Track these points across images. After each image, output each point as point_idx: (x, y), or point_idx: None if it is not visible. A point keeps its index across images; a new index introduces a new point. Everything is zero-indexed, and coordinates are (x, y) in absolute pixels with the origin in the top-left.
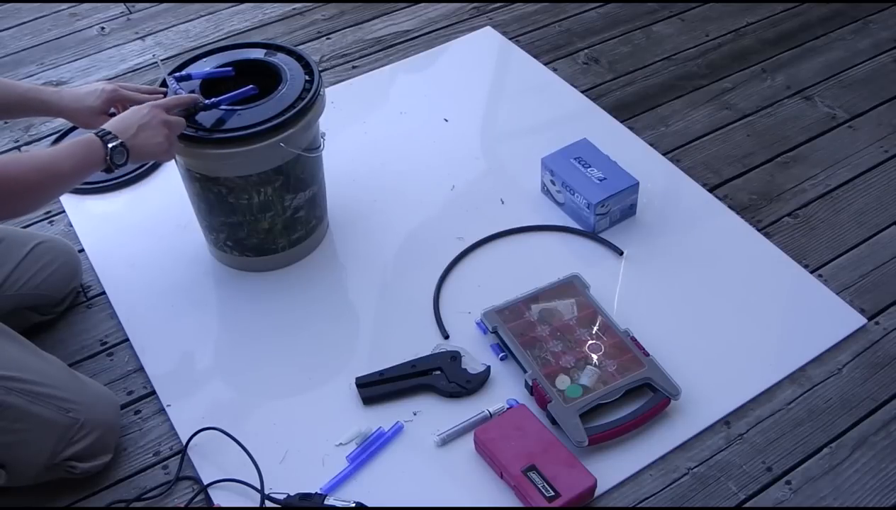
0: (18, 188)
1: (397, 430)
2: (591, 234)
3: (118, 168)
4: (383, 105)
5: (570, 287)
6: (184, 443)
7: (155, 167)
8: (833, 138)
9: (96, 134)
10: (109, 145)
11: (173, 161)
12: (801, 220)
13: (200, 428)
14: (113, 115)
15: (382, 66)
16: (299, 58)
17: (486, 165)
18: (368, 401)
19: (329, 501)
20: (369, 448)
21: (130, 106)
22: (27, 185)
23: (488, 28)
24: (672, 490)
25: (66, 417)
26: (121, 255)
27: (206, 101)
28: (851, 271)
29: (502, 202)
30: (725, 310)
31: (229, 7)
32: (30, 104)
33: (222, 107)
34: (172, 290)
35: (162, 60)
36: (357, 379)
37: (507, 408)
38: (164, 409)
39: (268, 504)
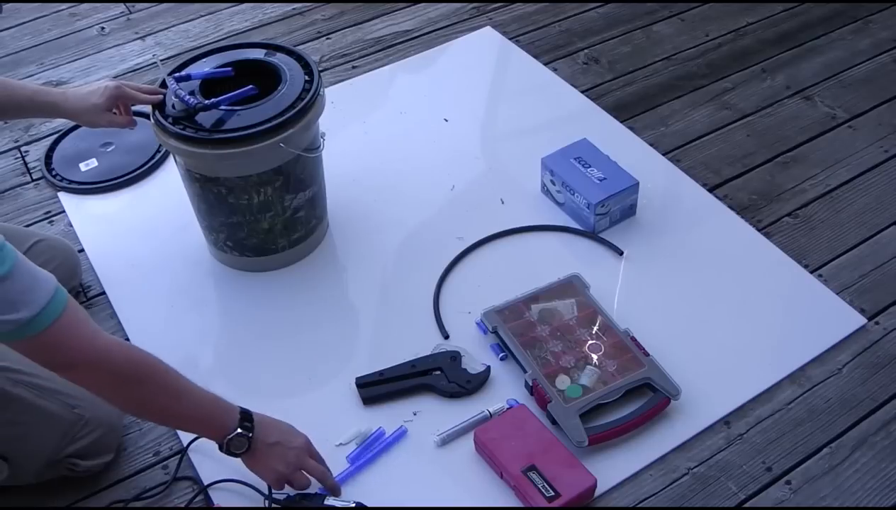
0: (131, 389)
1: (400, 435)
2: (591, 234)
3: (229, 455)
4: (383, 105)
5: (570, 287)
6: (184, 443)
7: (155, 167)
8: (833, 138)
9: (240, 411)
10: (238, 430)
11: (174, 161)
12: (801, 219)
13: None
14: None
15: (382, 66)
16: (299, 58)
17: (486, 165)
18: (368, 401)
19: (329, 501)
20: (370, 449)
21: (130, 104)
22: (141, 394)
23: (488, 28)
24: (672, 490)
25: (71, 413)
26: (121, 255)
27: (206, 101)
28: (851, 271)
29: (502, 202)
30: (725, 310)
31: (229, 7)
32: (38, 106)
33: (222, 107)
34: (172, 290)
35: (162, 60)
36: (357, 379)
37: (507, 408)
38: None
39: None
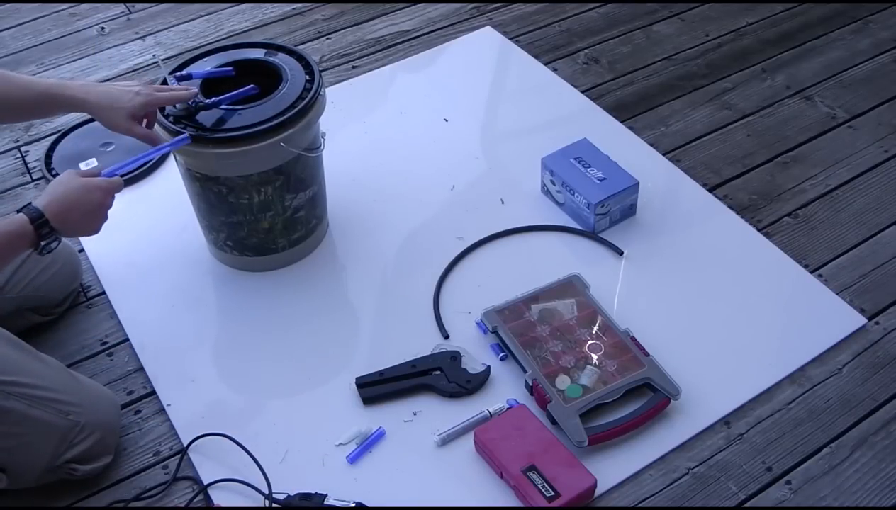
0: None
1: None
2: (591, 234)
3: (43, 255)
4: (383, 105)
5: (570, 287)
6: (184, 442)
7: (155, 167)
8: (833, 138)
9: (31, 218)
10: (42, 243)
11: (174, 161)
12: (801, 219)
13: (203, 432)
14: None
15: (382, 66)
16: (300, 58)
17: (486, 165)
18: (368, 401)
19: (329, 501)
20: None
21: (162, 108)
22: None
23: (488, 28)
24: (672, 490)
25: (65, 420)
26: (121, 255)
27: (207, 101)
28: (851, 271)
29: (502, 202)
30: (725, 310)
31: (229, 7)
32: (54, 101)
33: (223, 106)
34: (172, 290)
35: (162, 60)
36: (357, 379)
37: (507, 408)
38: (164, 409)
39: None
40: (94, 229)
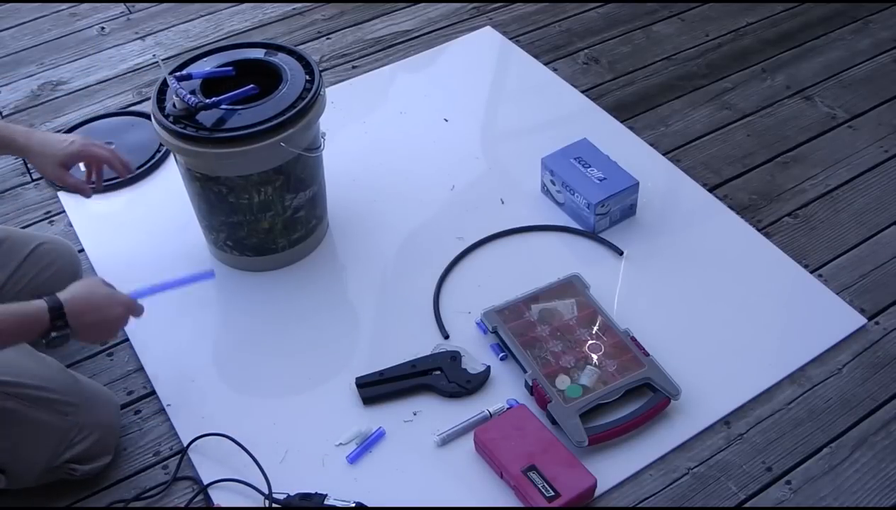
0: None
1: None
2: (591, 234)
3: (51, 347)
4: (383, 105)
5: (570, 287)
6: (184, 442)
7: (155, 167)
8: (833, 138)
9: (50, 310)
10: (52, 334)
11: (174, 161)
12: (801, 219)
13: (203, 432)
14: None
15: (382, 66)
16: (300, 58)
17: (486, 165)
18: (368, 401)
19: (329, 501)
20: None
21: (97, 163)
22: None
23: (488, 28)
24: (672, 490)
25: (64, 421)
26: (121, 255)
27: (207, 101)
28: (851, 271)
29: (502, 202)
30: (725, 310)
31: (229, 7)
32: (4, 142)
33: (223, 106)
34: (172, 290)
35: (162, 60)
36: (357, 379)
37: (507, 408)
38: (163, 409)
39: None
40: (102, 339)
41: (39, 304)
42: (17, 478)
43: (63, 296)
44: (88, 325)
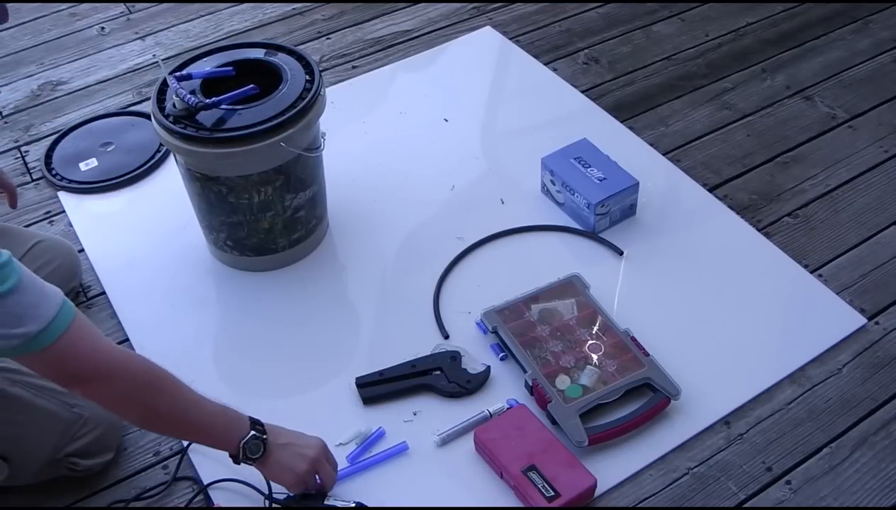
0: (145, 399)
1: (402, 449)
2: (591, 234)
3: (245, 462)
4: (383, 105)
5: (570, 287)
6: (184, 443)
7: (155, 167)
8: (833, 138)
9: (250, 418)
10: (252, 433)
11: (174, 161)
12: (801, 219)
13: None
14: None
15: (382, 66)
16: (300, 58)
17: (486, 165)
18: (368, 401)
19: (329, 501)
20: (369, 451)
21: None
22: (155, 405)
23: (488, 28)
24: (672, 490)
25: (69, 412)
26: (121, 255)
27: (207, 101)
28: (851, 271)
29: (502, 202)
30: (725, 310)
31: (229, 7)
32: None
33: (223, 106)
34: (172, 290)
35: (162, 60)
36: (357, 379)
37: (507, 408)
38: None
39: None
40: (294, 472)
41: (240, 413)
42: (19, 469)
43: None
44: (283, 446)
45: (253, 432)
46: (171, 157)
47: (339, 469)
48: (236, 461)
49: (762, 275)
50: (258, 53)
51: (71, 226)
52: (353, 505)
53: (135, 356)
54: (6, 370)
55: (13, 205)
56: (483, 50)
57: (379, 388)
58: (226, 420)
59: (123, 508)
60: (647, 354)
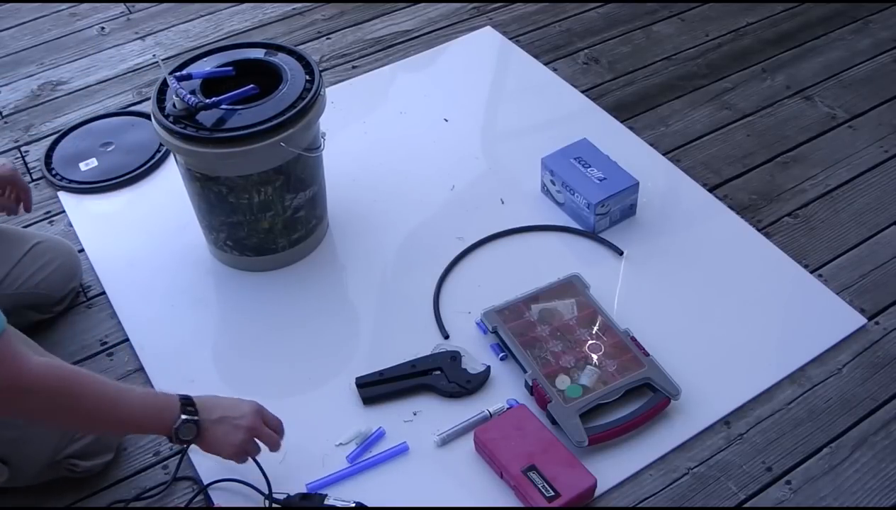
0: (68, 406)
1: (402, 450)
2: (591, 234)
3: (179, 444)
4: (383, 105)
5: (570, 287)
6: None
7: (155, 167)
8: (833, 138)
9: (179, 397)
10: (183, 416)
11: (174, 161)
12: (801, 219)
13: None
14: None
15: (382, 66)
16: (300, 57)
17: (486, 165)
18: (368, 401)
19: (329, 501)
20: (369, 451)
21: (21, 193)
22: (79, 409)
23: (488, 28)
24: (672, 490)
25: None
26: (121, 255)
27: (207, 101)
28: (851, 271)
29: (502, 202)
30: (725, 309)
31: (229, 7)
32: None
33: (223, 106)
34: (172, 290)
35: (162, 60)
36: (357, 379)
37: (507, 408)
38: None
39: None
40: (231, 444)
41: (170, 394)
42: (19, 471)
43: (190, 394)
44: (216, 421)
45: (184, 416)
46: (171, 157)
47: (339, 470)
48: (172, 442)
49: (762, 275)
50: (258, 53)
51: (71, 226)
52: (353, 505)
53: (51, 365)
54: None
55: (27, 208)
56: (483, 50)
57: (379, 388)
58: (156, 408)
59: (123, 508)
60: (647, 354)
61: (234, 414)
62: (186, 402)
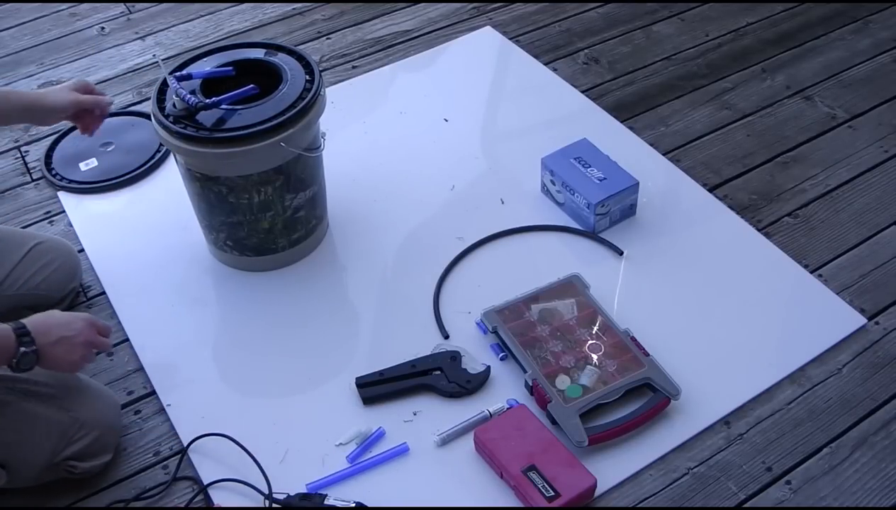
0: None
1: (402, 450)
2: (591, 234)
3: (21, 372)
4: (383, 105)
5: (570, 287)
6: (184, 442)
7: (155, 167)
8: (833, 138)
9: (14, 329)
10: (21, 349)
11: (174, 161)
12: (801, 219)
13: (203, 432)
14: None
15: (382, 66)
16: (300, 57)
17: (486, 165)
18: (368, 401)
19: (329, 501)
20: (369, 452)
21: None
22: None
23: (488, 28)
24: (672, 490)
25: (66, 416)
26: (121, 255)
27: (207, 101)
28: (851, 271)
29: (502, 202)
30: (725, 309)
31: (229, 7)
32: (27, 108)
33: (223, 106)
34: (172, 290)
35: (162, 60)
36: (357, 379)
37: (507, 408)
38: (164, 409)
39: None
40: (71, 360)
41: (3, 326)
42: (18, 474)
43: (23, 320)
44: (55, 343)
45: (22, 349)
46: (171, 157)
47: (339, 470)
48: (13, 371)
49: (762, 275)
50: (258, 53)
51: (71, 226)
52: (353, 505)
53: None
54: (1, 378)
55: (90, 128)
56: (483, 50)
57: (379, 388)
58: None
59: (123, 508)
60: (647, 354)
61: (69, 332)
62: (21, 333)
